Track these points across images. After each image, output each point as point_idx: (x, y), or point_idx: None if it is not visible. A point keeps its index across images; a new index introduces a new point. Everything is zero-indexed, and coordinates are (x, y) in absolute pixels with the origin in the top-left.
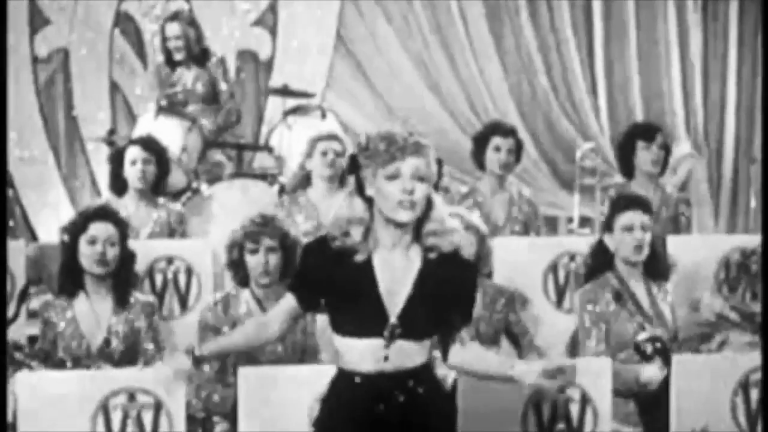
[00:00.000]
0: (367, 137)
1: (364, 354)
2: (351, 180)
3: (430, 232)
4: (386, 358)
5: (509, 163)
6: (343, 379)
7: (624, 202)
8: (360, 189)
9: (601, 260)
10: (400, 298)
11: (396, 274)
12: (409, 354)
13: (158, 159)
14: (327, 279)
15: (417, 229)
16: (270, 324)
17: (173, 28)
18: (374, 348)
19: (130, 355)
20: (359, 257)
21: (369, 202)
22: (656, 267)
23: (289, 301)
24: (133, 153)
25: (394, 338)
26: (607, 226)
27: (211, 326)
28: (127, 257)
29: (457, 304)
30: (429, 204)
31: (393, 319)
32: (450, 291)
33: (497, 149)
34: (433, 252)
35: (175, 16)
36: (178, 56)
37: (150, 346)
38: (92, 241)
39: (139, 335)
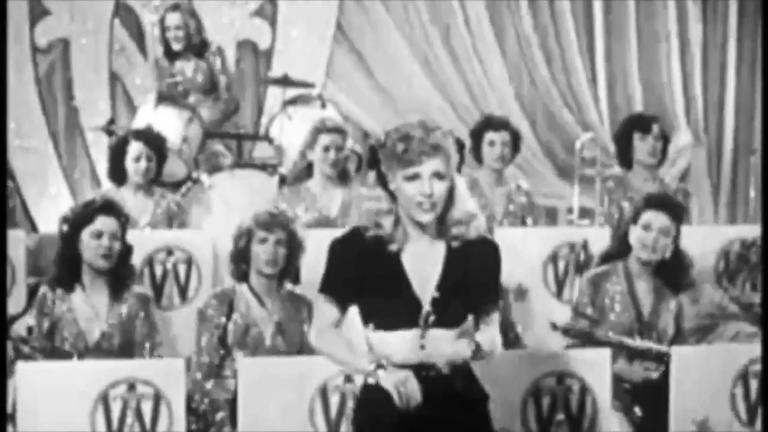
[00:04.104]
0: (386, 134)
1: (399, 345)
2: (372, 173)
3: (454, 221)
4: (422, 347)
5: (505, 155)
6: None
7: (654, 200)
8: (383, 181)
9: (619, 248)
10: (430, 285)
11: (424, 262)
12: (444, 342)
13: (159, 152)
14: (358, 273)
15: (440, 220)
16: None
17: (174, 18)
18: (410, 338)
19: (128, 346)
20: (393, 247)
21: (393, 194)
22: (673, 278)
23: (326, 312)
24: (137, 149)
25: (429, 326)
26: (634, 218)
27: (209, 319)
28: (125, 252)
29: (485, 288)
30: (451, 192)
31: (426, 306)
32: (478, 274)
33: (492, 143)
34: (457, 240)
35: (176, 7)
36: (177, 46)
37: (146, 337)
38: (98, 235)
39: (135, 327)
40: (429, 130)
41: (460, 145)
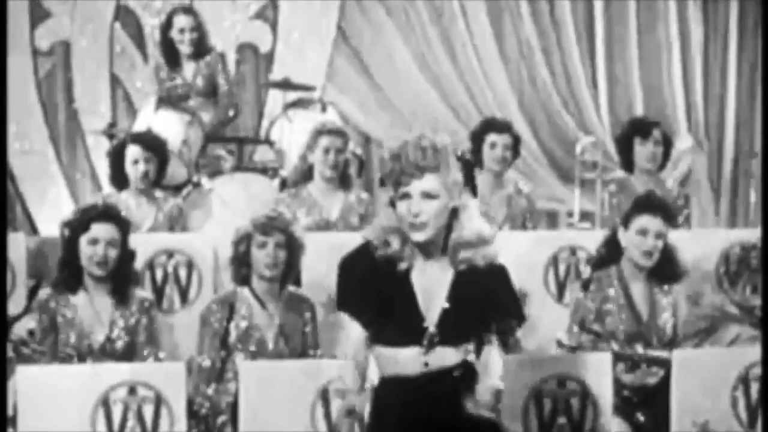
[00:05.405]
0: (387, 152)
1: (404, 362)
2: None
3: (461, 244)
4: (426, 365)
5: (506, 159)
6: (387, 385)
7: (646, 203)
8: (392, 201)
9: (610, 253)
10: (436, 306)
11: (431, 282)
12: (448, 358)
13: (159, 154)
14: (368, 289)
15: (445, 242)
16: (359, 360)
17: (184, 21)
18: (413, 356)
19: (130, 350)
20: (402, 266)
21: None
22: (667, 272)
23: (352, 334)
24: (135, 152)
25: (433, 346)
26: (624, 222)
27: (211, 324)
28: (126, 256)
29: (499, 308)
30: (456, 213)
31: (431, 327)
32: (488, 295)
33: (493, 146)
34: (463, 264)
35: (187, 10)
36: (186, 49)
37: (147, 344)
38: (94, 242)
39: (138, 331)
40: (419, 148)
41: (468, 164)
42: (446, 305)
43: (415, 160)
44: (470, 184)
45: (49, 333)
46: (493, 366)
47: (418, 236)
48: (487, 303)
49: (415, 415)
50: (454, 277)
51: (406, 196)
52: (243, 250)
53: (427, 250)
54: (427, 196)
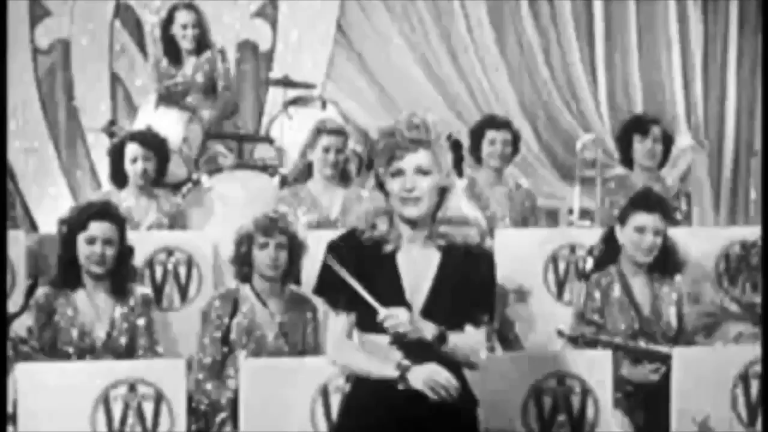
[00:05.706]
0: (377, 133)
1: (389, 348)
2: (371, 176)
3: (443, 220)
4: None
5: (506, 155)
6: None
7: (643, 200)
8: (379, 182)
9: (608, 251)
10: (422, 292)
11: (417, 268)
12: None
13: (158, 152)
14: (354, 274)
15: (432, 221)
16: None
17: (186, 16)
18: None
19: (131, 347)
20: (389, 247)
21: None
22: (666, 264)
23: (337, 323)
24: (133, 150)
25: None
26: (621, 219)
27: (212, 320)
28: (125, 253)
29: (477, 298)
30: (444, 193)
31: (417, 313)
32: (470, 284)
33: (492, 142)
34: (442, 240)
35: (188, 5)
36: (188, 45)
37: (146, 338)
38: (91, 241)
39: (137, 327)
40: (413, 125)
41: (457, 145)
42: (432, 289)
43: (409, 135)
44: (458, 166)
45: (46, 330)
46: (475, 340)
47: (412, 211)
48: (467, 289)
49: (397, 401)
50: (441, 260)
51: (399, 172)
52: (244, 250)
53: (416, 228)
54: (421, 171)
